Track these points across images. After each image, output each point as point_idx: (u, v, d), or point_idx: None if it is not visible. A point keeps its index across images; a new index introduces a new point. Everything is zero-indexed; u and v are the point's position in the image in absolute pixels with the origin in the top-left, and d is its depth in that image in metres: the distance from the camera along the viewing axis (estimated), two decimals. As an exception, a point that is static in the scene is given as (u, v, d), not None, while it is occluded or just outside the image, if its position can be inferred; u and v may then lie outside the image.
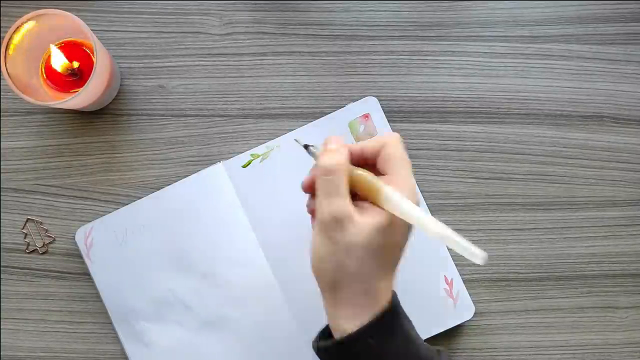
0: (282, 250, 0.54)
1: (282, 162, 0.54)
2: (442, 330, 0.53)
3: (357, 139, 0.54)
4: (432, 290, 0.53)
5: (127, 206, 0.55)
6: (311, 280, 0.53)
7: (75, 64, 0.53)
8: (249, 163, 0.54)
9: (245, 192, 0.54)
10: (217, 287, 0.54)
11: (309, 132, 0.55)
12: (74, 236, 0.55)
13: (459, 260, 0.55)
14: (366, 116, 0.55)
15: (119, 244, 0.54)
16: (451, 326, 0.53)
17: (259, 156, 0.55)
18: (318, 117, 0.56)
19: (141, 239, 0.54)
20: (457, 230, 0.54)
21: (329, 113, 0.56)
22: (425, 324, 0.52)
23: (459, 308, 0.53)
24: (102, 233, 0.54)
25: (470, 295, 0.54)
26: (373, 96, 0.55)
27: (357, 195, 0.41)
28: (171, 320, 0.54)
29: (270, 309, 0.53)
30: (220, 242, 0.54)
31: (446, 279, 0.53)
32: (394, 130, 0.55)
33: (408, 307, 0.52)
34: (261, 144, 0.55)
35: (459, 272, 0.54)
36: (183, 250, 0.54)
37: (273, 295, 0.53)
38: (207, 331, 0.53)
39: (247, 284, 0.53)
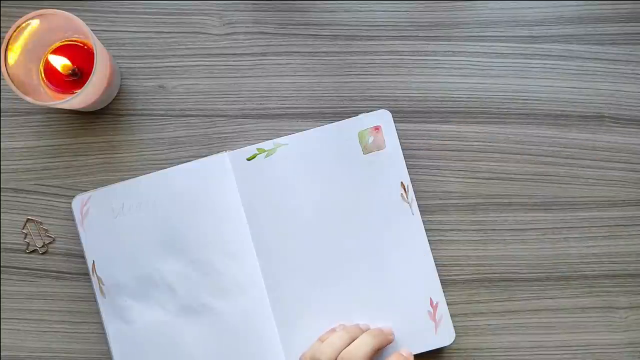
0: (274, 247, 0.54)
1: (287, 161, 0.54)
2: (419, 351, 0.53)
3: (365, 149, 0.54)
4: (416, 309, 0.53)
5: (127, 181, 0.55)
6: (296, 280, 0.54)
7: (75, 65, 0.53)
8: (254, 157, 0.55)
9: (245, 185, 0.54)
10: (203, 274, 0.54)
11: (318, 136, 0.55)
12: (74, 236, 0.55)
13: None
14: (377, 128, 0.54)
15: (114, 217, 0.54)
16: (429, 349, 0.53)
17: (265, 151, 0.55)
18: (317, 118, 0.56)
19: (136, 216, 0.54)
20: (457, 230, 0.55)
21: (329, 113, 0.56)
22: (404, 341, 0.53)
23: (439, 332, 0.53)
24: (98, 204, 0.55)
25: (452, 323, 0.54)
26: (387, 109, 0.55)
27: None
28: (153, 301, 0.54)
29: (251, 304, 0.53)
30: (214, 231, 0.54)
31: (431, 302, 0.53)
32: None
33: (389, 319, 0.53)
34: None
35: (445, 295, 0.54)
36: (175, 233, 0.54)
37: (256, 290, 0.53)
38: (186, 316, 0.54)
39: (233, 276, 0.53)
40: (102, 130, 0.57)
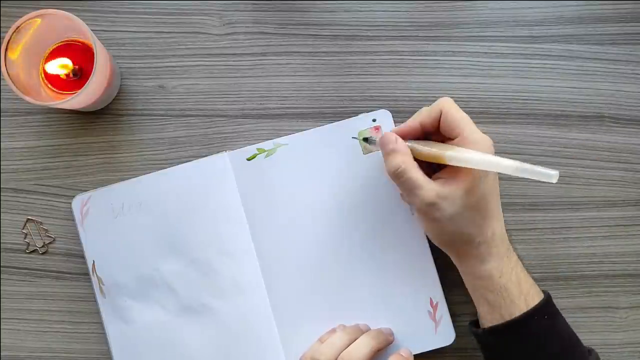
0: (273, 246, 0.54)
1: (288, 161, 0.54)
2: (419, 351, 0.53)
3: (365, 149, 0.54)
4: (416, 308, 0.53)
5: (127, 181, 0.55)
6: (296, 281, 0.53)
7: (75, 65, 0.53)
8: (254, 157, 0.55)
9: (245, 185, 0.54)
10: (203, 274, 0.54)
11: (318, 136, 0.55)
12: (74, 236, 0.55)
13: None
14: (377, 128, 0.55)
15: (114, 217, 0.54)
16: (429, 349, 0.53)
17: (265, 151, 0.55)
18: (317, 118, 0.56)
19: (136, 216, 0.54)
20: (457, 230, 0.55)
21: (329, 113, 0.56)
22: (404, 341, 0.53)
23: (439, 332, 0.53)
24: (98, 204, 0.55)
25: (452, 323, 0.53)
26: (387, 109, 0.55)
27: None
28: (153, 300, 0.54)
29: (251, 304, 0.53)
30: (214, 231, 0.54)
31: (431, 302, 0.53)
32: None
33: (390, 319, 0.53)
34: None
35: (445, 295, 0.53)
36: (176, 233, 0.54)
37: (256, 290, 0.53)
38: (186, 316, 0.54)
39: (233, 276, 0.53)
40: (102, 130, 0.57)
